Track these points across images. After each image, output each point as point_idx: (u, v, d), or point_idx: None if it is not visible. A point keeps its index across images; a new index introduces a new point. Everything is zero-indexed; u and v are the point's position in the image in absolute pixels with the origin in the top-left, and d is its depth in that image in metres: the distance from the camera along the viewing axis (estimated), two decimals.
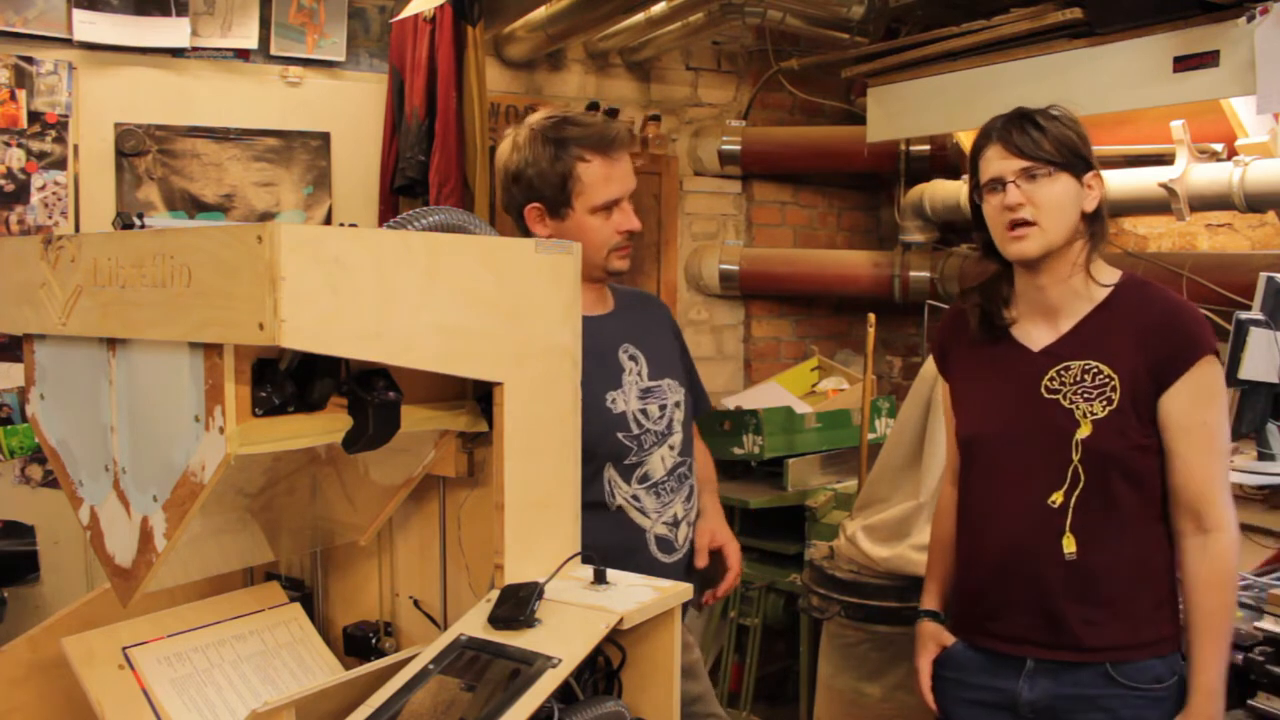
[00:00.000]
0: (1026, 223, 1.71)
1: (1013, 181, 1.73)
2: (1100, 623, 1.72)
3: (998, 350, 1.84)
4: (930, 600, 2.00)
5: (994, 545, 1.82)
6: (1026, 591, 1.77)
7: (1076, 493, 1.72)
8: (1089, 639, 1.72)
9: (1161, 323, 1.71)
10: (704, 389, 2.23)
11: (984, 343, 1.86)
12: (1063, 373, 1.75)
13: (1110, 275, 1.78)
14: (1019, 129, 1.73)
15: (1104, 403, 1.71)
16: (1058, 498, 1.73)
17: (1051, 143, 1.71)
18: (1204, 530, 1.69)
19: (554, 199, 1.90)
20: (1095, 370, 1.73)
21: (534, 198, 1.91)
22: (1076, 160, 1.73)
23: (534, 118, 1.94)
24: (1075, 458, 1.72)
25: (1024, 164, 1.72)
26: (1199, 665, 1.68)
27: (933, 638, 1.94)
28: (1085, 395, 1.73)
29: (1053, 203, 1.71)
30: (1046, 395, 1.75)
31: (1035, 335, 1.80)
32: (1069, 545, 1.72)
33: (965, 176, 3.38)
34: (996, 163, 1.74)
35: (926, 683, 1.93)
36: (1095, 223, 1.77)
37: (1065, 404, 1.74)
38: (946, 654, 1.91)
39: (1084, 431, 1.71)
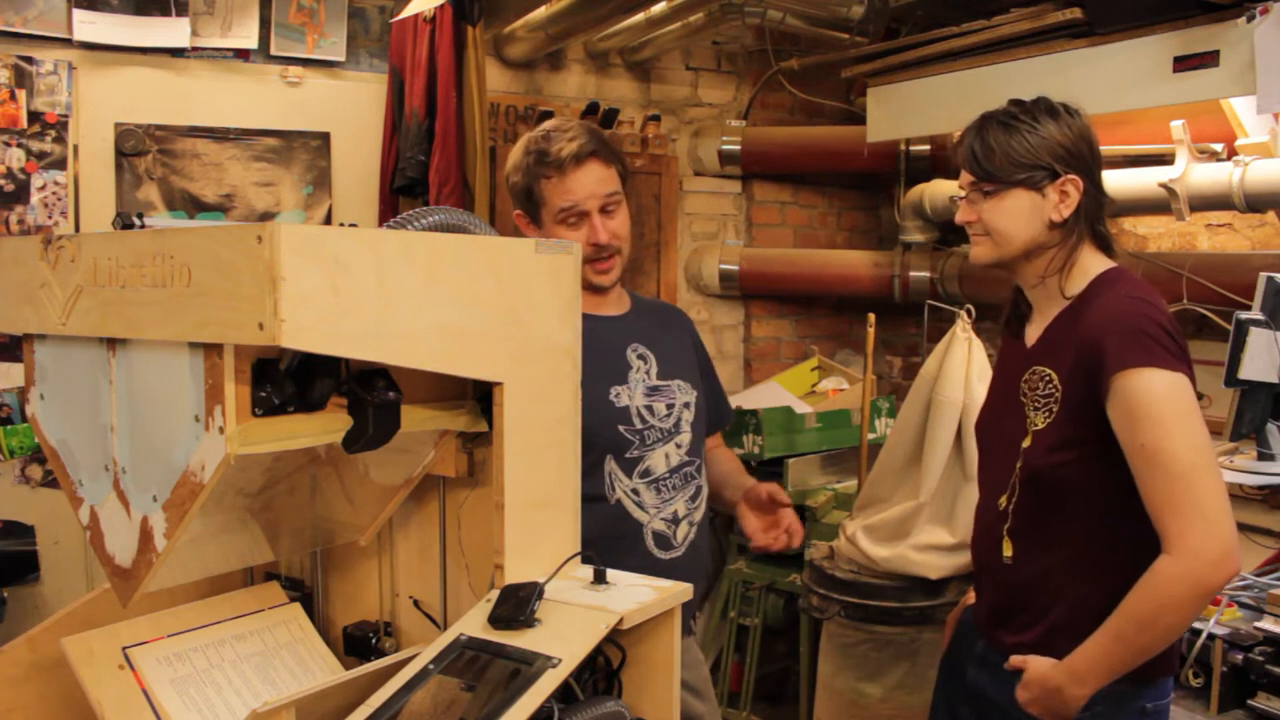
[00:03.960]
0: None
1: (965, 196, 1.73)
2: (1028, 630, 1.70)
3: (1014, 344, 1.84)
4: None
5: (973, 534, 1.89)
6: (982, 584, 1.84)
7: (1015, 500, 1.72)
8: (1018, 645, 1.71)
9: (1083, 340, 1.62)
10: (728, 402, 2.27)
11: (1013, 333, 1.86)
12: (1031, 377, 1.73)
13: (1090, 275, 1.71)
14: (978, 138, 1.70)
15: (1046, 414, 1.67)
16: (1003, 501, 1.74)
17: (1003, 158, 1.66)
18: (1162, 549, 1.54)
19: (527, 208, 2.01)
20: (1048, 379, 1.69)
21: (516, 205, 2.03)
22: (1036, 172, 1.66)
23: (538, 129, 2.02)
24: (1017, 466, 1.71)
25: (971, 179, 1.71)
26: (1080, 647, 1.59)
27: (963, 603, 2.02)
28: (1036, 404, 1.70)
29: (999, 220, 1.69)
30: (1020, 398, 1.74)
31: (1031, 333, 1.80)
32: (1007, 549, 1.73)
33: None
34: (962, 171, 1.75)
35: (948, 633, 2.02)
36: (1071, 231, 1.69)
37: (1027, 410, 1.72)
38: (963, 615, 1.98)
39: (1025, 442, 1.70)
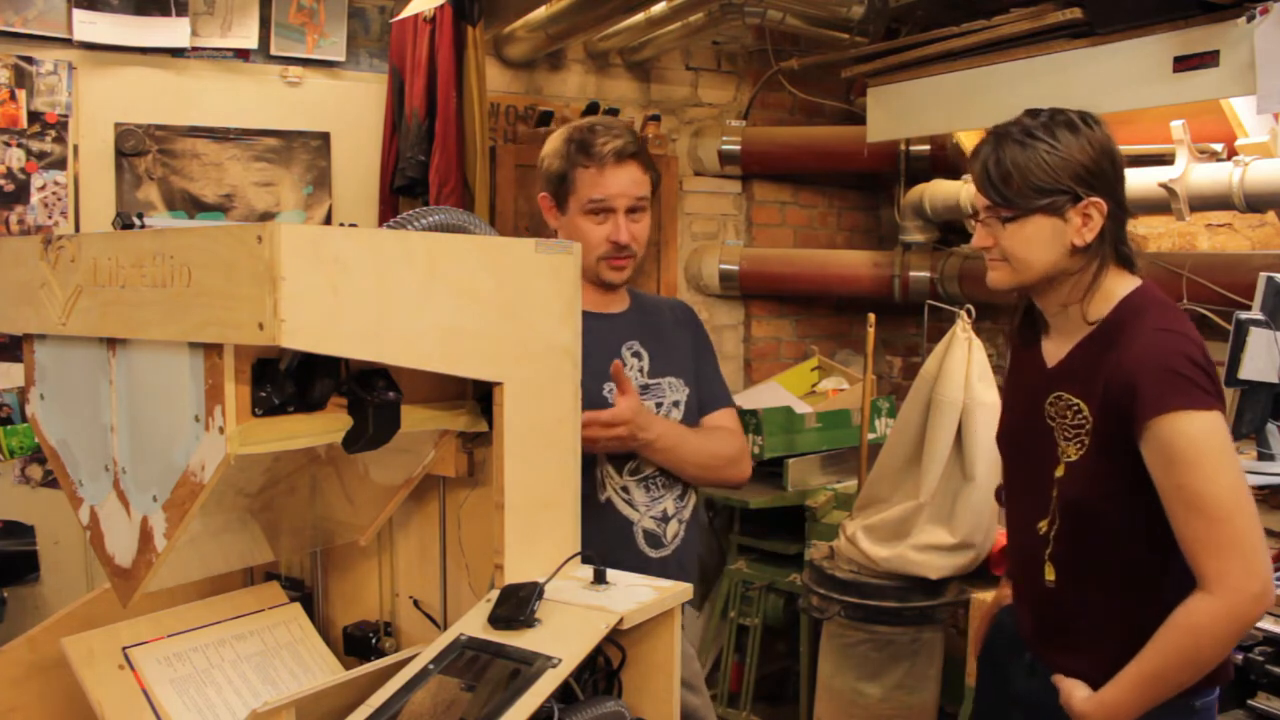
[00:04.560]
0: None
1: (981, 220, 1.66)
2: (1077, 652, 1.69)
3: (1029, 357, 1.79)
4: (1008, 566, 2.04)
5: (1010, 548, 1.87)
6: (1025, 599, 1.81)
7: (1055, 526, 1.68)
8: (1063, 667, 1.69)
9: (1115, 379, 1.56)
10: (724, 387, 2.21)
11: (1025, 345, 1.80)
12: (1057, 401, 1.67)
13: (1115, 299, 1.64)
14: (989, 160, 1.62)
15: (1078, 445, 1.63)
16: (1043, 525, 1.70)
17: (1022, 182, 1.58)
18: (1199, 587, 1.53)
19: (555, 193, 2.03)
20: (1077, 408, 1.63)
21: (544, 188, 2.05)
22: (1057, 195, 1.58)
23: (584, 120, 2.08)
24: (1054, 494, 1.67)
25: (987, 203, 1.64)
26: (1114, 679, 1.58)
27: (996, 599, 1.99)
28: (1067, 434, 1.64)
29: (1018, 247, 1.62)
30: (1046, 422, 1.69)
31: (1052, 352, 1.73)
32: (1049, 574, 1.70)
33: (965, 176, 3.37)
34: (975, 192, 1.68)
35: (976, 638, 2.00)
36: (1093, 254, 1.62)
37: (1055, 437, 1.67)
38: (999, 615, 1.95)
39: (1059, 472, 1.66)
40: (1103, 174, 1.61)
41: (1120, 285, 1.65)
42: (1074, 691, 1.63)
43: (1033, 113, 1.65)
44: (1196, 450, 1.51)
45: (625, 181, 1.99)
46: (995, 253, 1.66)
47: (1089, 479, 1.62)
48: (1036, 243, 1.61)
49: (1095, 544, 1.65)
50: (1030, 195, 1.59)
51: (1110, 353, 1.59)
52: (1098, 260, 1.63)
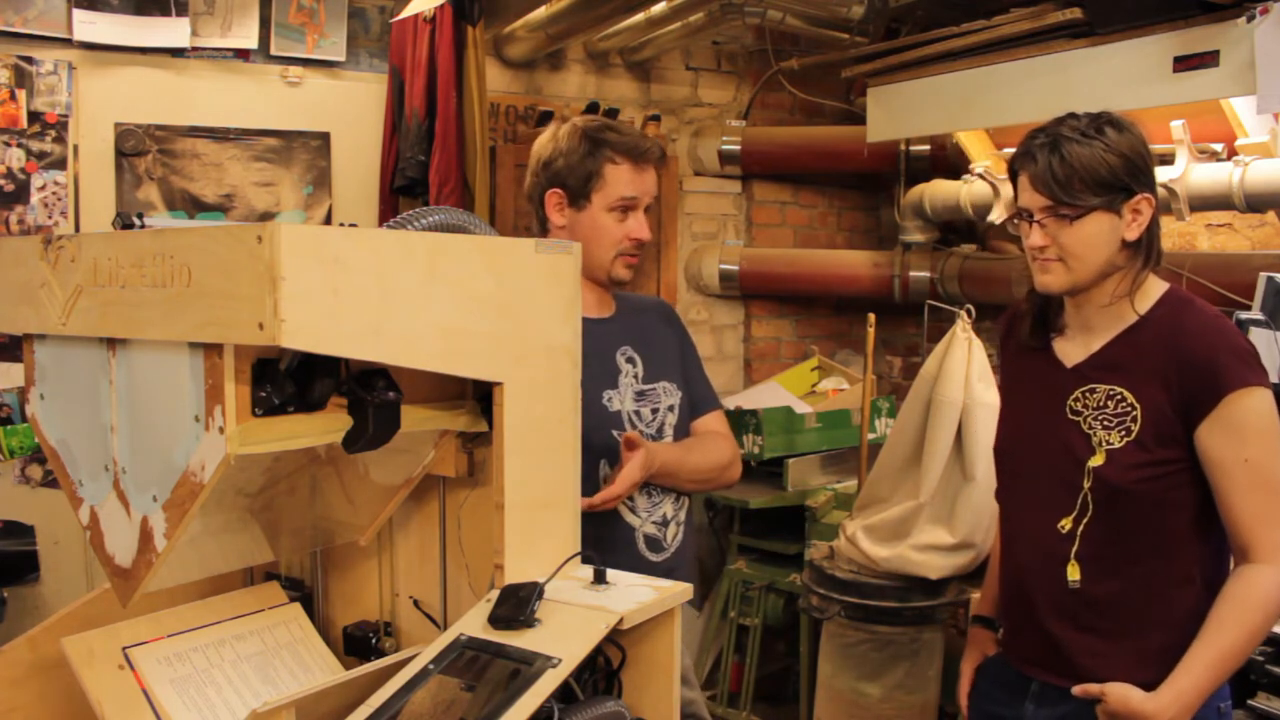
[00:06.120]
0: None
1: (1038, 221, 1.66)
2: (1104, 654, 1.66)
3: (1036, 361, 1.79)
4: (984, 606, 1.99)
5: (1011, 563, 1.83)
6: (1032, 614, 1.75)
7: (1085, 520, 1.67)
8: (1092, 670, 1.66)
9: (1187, 360, 1.61)
10: (711, 389, 2.23)
11: (1028, 351, 1.81)
12: (1087, 395, 1.69)
13: (1154, 295, 1.69)
14: (1052, 160, 1.62)
15: (1122, 432, 1.65)
16: (1067, 523, 1.69)
17: (1082, 180, 1.60)
18: (1249, 561, 1.59)
19: (576, 189, 1.99)
20: (1119, 397, 1.66)
21: (557, 184, 2.00)
22: (1114, 192, 1.62)
23: (580, 118, 2.06)
24: (1086, 485, 1.67)
25: (1048, 203, 1.64)
26: (1181, 666, 1.58)
27: (978, 644, 1.94)
28: (1105, 422, 1.66)
29: (1079, 245, 1.64)
30: (1070, 416, 1.70)
31: (1070, 351, 1.75)
32: (1073, 573, 1.68)
33: (965, 176, 3.36)
34: (1025, 193, 1.67)
35: (964, 687, 1.93)
36: (1141, 249, 1.67)
37: (1084, 428, 1.68)
38: (985, 662, 1.92)
39: (1097, 460, 1.66)
40: (1148, 171, 1.66)
41: (1155, 283, 1.71)
42: (1129, 695, 1.58)
43: (1075, 116, 1.67)
44: (1267, 424, 1.59)
45: (651, 181, 2.02)
46: (1050, 253, 1.66)
47: (1136, 463, 1.64)
48: (1097, 240, 1.64)
49: (1130, 533, 1.65)
50: (1095, 192, 1.62)
51: (1170, 340, 1.64)
52: (1144, 254, 1.68)
